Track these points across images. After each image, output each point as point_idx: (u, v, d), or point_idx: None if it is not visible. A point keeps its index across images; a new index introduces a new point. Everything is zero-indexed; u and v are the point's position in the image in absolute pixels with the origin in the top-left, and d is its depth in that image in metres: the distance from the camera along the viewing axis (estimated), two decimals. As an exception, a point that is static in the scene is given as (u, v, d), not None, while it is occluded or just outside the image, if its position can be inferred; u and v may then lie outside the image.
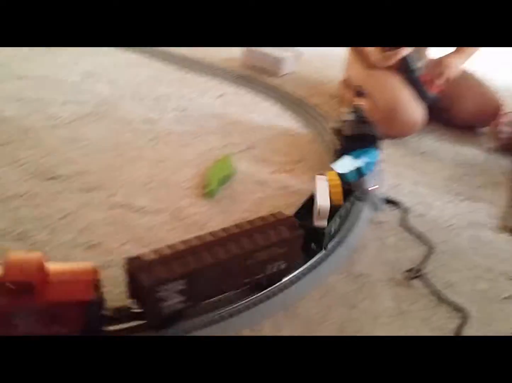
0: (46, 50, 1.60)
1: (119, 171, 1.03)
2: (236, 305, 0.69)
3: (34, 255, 0.58)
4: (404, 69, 1.28)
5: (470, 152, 1.23)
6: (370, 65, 1.32)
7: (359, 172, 0.96)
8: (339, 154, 1.03)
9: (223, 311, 0.68)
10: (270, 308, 0.72)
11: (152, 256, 0.62)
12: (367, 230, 0.92)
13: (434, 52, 1.42)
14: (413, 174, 1.11)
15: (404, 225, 0.94)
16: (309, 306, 0.74)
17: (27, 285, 0.55)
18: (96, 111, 1.25)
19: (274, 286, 0.73)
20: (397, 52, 1.27)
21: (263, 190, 1.01)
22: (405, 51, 1.27)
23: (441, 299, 0.77)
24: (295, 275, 0.76)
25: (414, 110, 1.21)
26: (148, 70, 1.53)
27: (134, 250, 0.81)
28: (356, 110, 1.10)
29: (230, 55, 1.69)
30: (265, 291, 0.72)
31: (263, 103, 1.40)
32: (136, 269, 0.60)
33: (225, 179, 1.02)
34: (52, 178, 0.97)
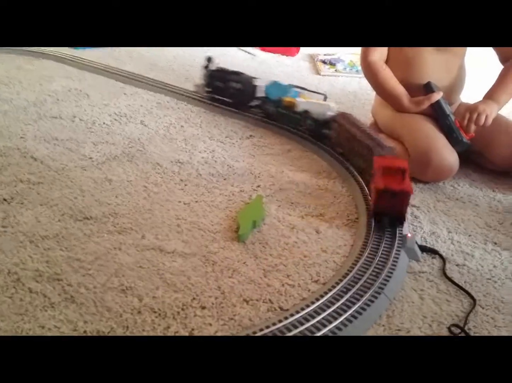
0: (77, 92, 1.64)
1: (149, 213, 1.02)
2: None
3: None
4: (437, 114, 1.27)
5: (506, 199, 1.19)
6: (400, 110, 1.32)
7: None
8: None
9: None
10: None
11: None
12: (406, 280, 0.88)
13: (465, 97, 1.42)
14: (448, 221, 1.08)
15: (444, 276, 0.90)
16: (349, 362, 0.70)
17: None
18: (127, 153, 1.26)
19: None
20: (430, 97, 1.27)
21: (294, 235, 0.99)
22: (438, 95, 1.26)
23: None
24: (333, 327, 0.73)
25: (448, 155, 1.19)
26: (177, 112, 1.55)
27: (167, 295, 0.79)
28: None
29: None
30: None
31: (289, 145, 1.39)
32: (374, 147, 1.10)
33: (256, 223, 1.00)
34: (84, 219, 0.97)
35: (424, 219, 1.08)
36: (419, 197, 1.18)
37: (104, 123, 1.42)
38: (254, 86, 1.50)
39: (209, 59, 1.59)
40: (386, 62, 1.36)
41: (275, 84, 1.47)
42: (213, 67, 1.59)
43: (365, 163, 1.15)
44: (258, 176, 1.21)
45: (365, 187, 1.15)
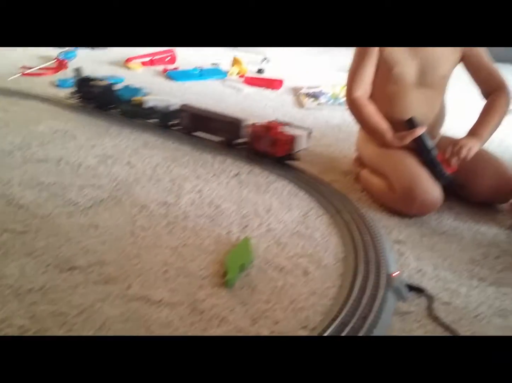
0: (64, 133, 1.65)
1: (136, 259, 1.02)
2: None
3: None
4: (420, 148, 1.29)
5: (490, 231, 1.21)
6: (384, 145, 1.34)
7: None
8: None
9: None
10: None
11: None
12: (394, 321, 0.88)
13: (447, 132, 1.45)
14: (434, 257, 1.09)
15: (431, 315, 0.90)
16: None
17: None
18: (113, 196, 1.26)
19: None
20: (412, 132, 1.29)
21: (283, 277, 0.99)
22: (420, 130, 1.29)
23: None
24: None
25: (432, 189, 1.21)
26: (164, 151, 1.56)
27: (154, 350, 0.78)
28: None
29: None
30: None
31: (277, 182, 1.41)
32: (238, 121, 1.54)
33: (244, 266, 1.00)
34: (70, 269, 0.96)
35: (410, 255, 1.09)
36: (405, 232, 1.19)
37: (90, 165, 1.43)
38: (113, 91, 1.81)
39: (77, 70, 1.88)
40: (370, 98, 1.38)
41: (126, 88, 1.81)
42: (81, 76, 1.88)
43: (231, 135, 1.55)
44: (246, 216, 1.22)
45: (351, 223, 1.17)
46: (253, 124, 1.50)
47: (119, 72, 2.39)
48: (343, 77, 1.43)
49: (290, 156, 1.47)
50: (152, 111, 1.70)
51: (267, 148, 1.46)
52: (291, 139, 1.44)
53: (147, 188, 1.32)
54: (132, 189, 1.31)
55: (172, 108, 1.68)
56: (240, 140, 1.54)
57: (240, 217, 1.21)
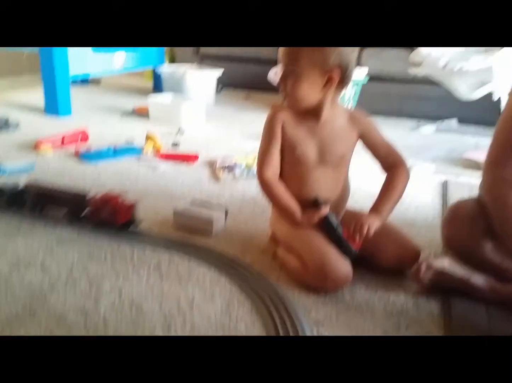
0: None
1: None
2: None
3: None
4: (326, 227, 1.38)
5: (399, 300, 1.31)
6: (294, 225, 1.42)
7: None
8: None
9: None
10: None
11: None
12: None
13: (353, 207, 1.56)
14: (351, 335, 1.16)
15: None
16: None
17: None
18: (28, 309, 1.21)
19: None
20: (318, 212, 1.38)
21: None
22: (325, 210, 1.38)
23: None
24: None
25: (341, 266, 1.30)
26: (79, 247, 1.53)
27: None
28: None
29: (161, 218, 1.74)
30: None
31: (198, 270, 1.43)
32: (83, 194, 1.68)
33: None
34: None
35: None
36: (322, 310, 1.25)
37: (2, 274, 1.36)
38: None
39: None
40: (280, 178, 1.46)
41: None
42: None
43: (75, 208, 1.63)
44: (169, 314, 1.22)
45: (271, 307, 1.22)
46: (95, 196, 1.62)
47: (29, 157, 2.32)
48: (253, 146, 1.50)
49: (130, 223, 1.61)
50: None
51: (107, 217, 1.59)
52: (130, 208, 1.60)
53: (63, 295, 1.28)
54: (47, 298, 1.26)
55: (20, 187, 1.71)
56: (84, 213, 1.63)
57: (163, 316, 1.21)
